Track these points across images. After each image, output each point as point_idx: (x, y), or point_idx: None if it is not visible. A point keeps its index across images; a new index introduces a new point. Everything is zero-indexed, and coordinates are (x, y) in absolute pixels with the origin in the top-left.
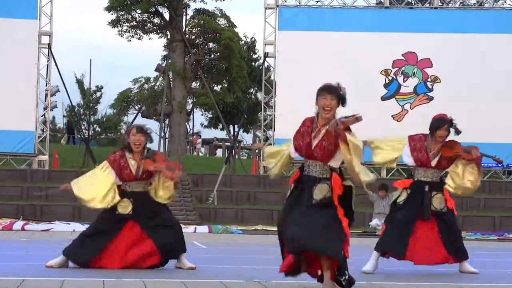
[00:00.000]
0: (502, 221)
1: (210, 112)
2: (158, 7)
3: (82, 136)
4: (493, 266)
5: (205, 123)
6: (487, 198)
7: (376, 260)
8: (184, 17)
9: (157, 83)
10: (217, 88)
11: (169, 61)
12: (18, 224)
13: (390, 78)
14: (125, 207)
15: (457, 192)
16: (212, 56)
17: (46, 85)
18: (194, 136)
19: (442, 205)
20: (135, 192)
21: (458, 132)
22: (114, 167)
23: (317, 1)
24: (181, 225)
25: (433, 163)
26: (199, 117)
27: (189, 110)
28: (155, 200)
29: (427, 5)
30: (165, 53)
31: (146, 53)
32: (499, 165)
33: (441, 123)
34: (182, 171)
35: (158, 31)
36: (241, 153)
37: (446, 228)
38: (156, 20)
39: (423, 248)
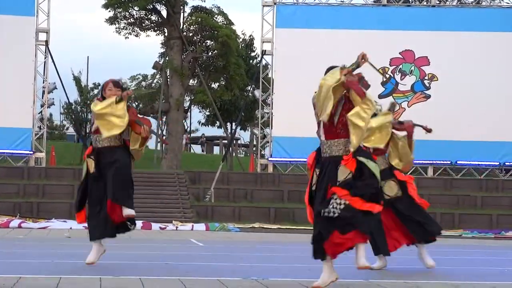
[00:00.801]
0: (499, 219)
1: (207, 110)
2: (156, 4)
3: (79, 133)
4: (489, 264)
5: (203, 120)
6: (484, 196)
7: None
8: (182, 14)
9: (155, 81)
10: (215, 85)
11: (167, 58)
12: (15, 222)
13: (387, 76)
14: (90, 165)
15: (406, 168)
16: (210, 53)
17: (43, 82)
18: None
19: (393, 192)
20: (100, 148)
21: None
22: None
23: None
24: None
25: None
26: (197, 115)
27: (187, 108)
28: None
29: (425, 2)
30: (162, 50)
31: (144, 51)
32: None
33: None
34: (150, 127)
35: (156, 28)
36: (238, 151)
37: (402, 214)
38: (153, 17)
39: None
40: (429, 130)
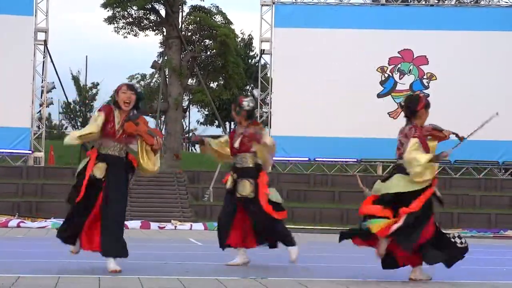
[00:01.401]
0: (498, 219)
1: (206, 109)
2: (154, 4)
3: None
4: (488, 264)
5: (201, 120)
6: (483, 196)
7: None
8: (180, 14)
9: (153, 80)
10: (213, 85)
11: (165, 58)
12: (14, 222)
13: (386, 75)
14: (101, 170)
15: None
16: (208, 53)
17: (42, 82)
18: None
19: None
20: (108, 155)
21: None
22: (105, 112)
23: None
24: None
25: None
26: (195, 114)
27: (185, 107)
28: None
29: (423, 2)
30: (161, 50)
31: (142, 50)
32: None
33: None
34: (162, 138)
35: (154, 28)
36: None
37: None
38: (152, 17)
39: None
40: (460, 138)
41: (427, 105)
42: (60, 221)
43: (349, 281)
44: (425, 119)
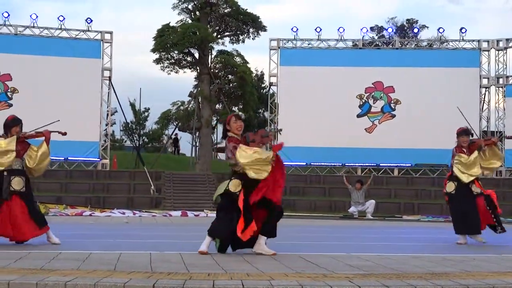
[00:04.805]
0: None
1: None
2: (190, 48)
3: (134, 145)
4: (438, 241)
5: None
6: (436, 190)
7: None
8: (210, 56)
9: (190, 105)
10: (235, 108)
11: (199, 88)
12: (87, 212)
13: (363, 101)
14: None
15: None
16: (231, 85)
17: (107, 107)
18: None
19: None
20: (14, 170)
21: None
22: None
23: (308, 44)
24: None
25: None
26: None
27: (214, 125)
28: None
29: (391, 46)
30: (195, 82)
31: (181, 83)
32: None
33: None
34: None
35: (190, 66)
36: None
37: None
38: (188, 58)
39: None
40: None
41: (458, 134)
42: (120, 211)
43: (339, 255)
44: (461, 141)
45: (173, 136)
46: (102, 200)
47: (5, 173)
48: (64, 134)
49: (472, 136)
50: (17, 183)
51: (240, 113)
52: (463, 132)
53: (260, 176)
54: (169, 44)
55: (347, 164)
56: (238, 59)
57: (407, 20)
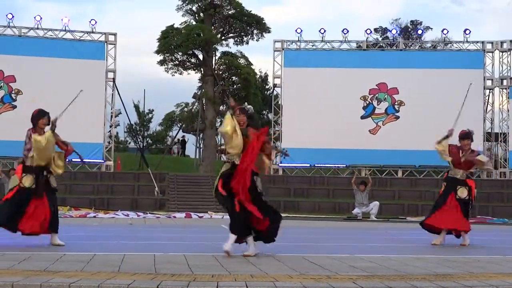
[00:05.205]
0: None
1: None
2: (194, 50)
3: (138, 147)
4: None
5: None
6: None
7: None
8: (214, 57)
9: (194, 107)
10: None
11: (203, 90)
12: (91, 214)
13: (367, 102)
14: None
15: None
16: (235, 86)
17: (111, 109)
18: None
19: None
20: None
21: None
22: None
23: (312, 45)
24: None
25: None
26: None
27: (218, 127)
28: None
29: (395, 47)
30: (199, 84)
31: (185, 84)
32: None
33: None
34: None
35: (194, 68)
36: None
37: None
38: (193, 60)
39: None
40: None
41: (460, 137)
42: (124, 213)
43: (343, 256)
44: (463, 144)
45: (180, 138)
46: (106, 202)
47: (45, 171)
48: (82, 159)
49: (473, 141)
50: (53, 180)
51: (248, 106)
52: (466, 136)
53: (225, 128)
54: (173, 45)
55: (351, 166)
56: (242, 61)
57: (411, 21)
